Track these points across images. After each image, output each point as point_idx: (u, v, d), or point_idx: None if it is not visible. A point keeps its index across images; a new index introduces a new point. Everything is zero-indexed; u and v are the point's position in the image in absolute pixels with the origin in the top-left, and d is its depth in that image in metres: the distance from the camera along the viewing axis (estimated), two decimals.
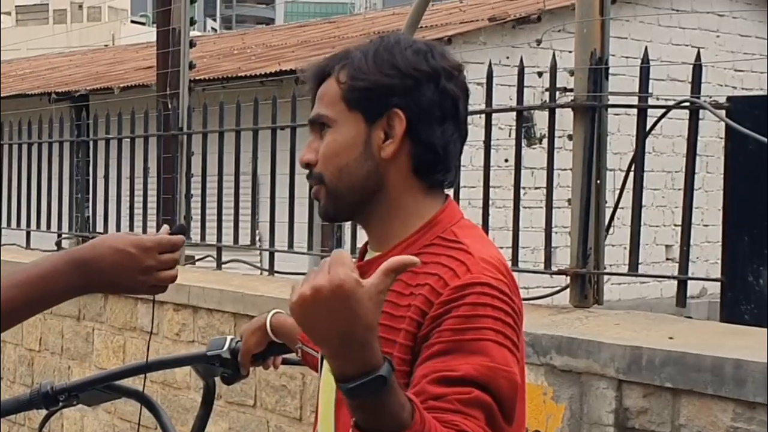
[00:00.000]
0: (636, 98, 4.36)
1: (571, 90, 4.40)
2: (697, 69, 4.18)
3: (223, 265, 6.35)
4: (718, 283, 4.26)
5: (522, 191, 4.69)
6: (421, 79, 1.89)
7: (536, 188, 9.21)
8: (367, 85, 1.89)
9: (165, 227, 2.10)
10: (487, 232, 4.65)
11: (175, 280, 2.03)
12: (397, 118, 1.88)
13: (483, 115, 4.79)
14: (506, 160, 8.44)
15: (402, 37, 1.95)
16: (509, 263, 4.47)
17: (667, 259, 12.16)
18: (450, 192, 2.03)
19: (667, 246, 12.29)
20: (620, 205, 4.47)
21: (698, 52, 4.30)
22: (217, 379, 2.88)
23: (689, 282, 4.27)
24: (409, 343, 1.79)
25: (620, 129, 8.88)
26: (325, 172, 1.93)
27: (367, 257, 1.97)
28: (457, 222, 1.93)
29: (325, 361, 1.96)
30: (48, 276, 1.92)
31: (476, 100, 5.94)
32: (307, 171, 1.97)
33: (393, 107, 1.88)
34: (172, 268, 2.02)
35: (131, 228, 6.88)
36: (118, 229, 7.24)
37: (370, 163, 1.90)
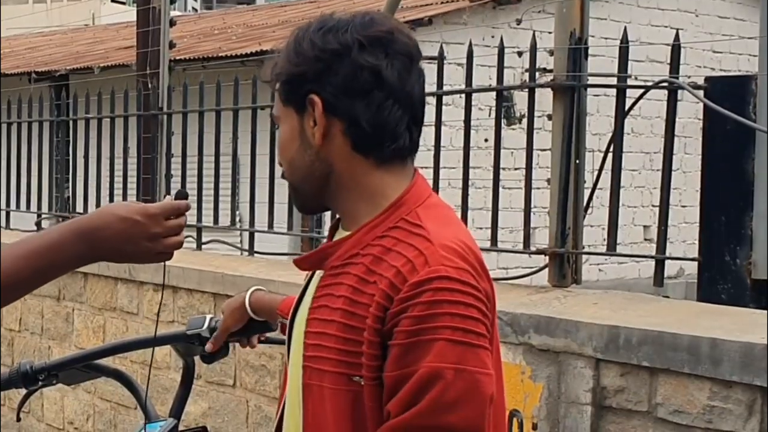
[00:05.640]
0: (615, 78, 4.37)
1: (550, 70, 4.40)
2: (676, 49, 4.19)
3: (203, 246, 6.34)
4: (696, 263, 4.28)
5: (501, 171, 4.70)
6: (329, 59, 1.88)
7: (515, 168, 9.22)
8: (285, 79, 1.94)
9: (168, 196, 2.11)
10: (466, 213, 4.69)
11: (181, 246, 2.04)
12: (314, 103, 1.90)
13: (463, 95, 4.80)
14: (486, 140, 8.47)
15: (317, 20, 1.94)
16: (488, 243, 4.53)
17: (646, 239, 12.21)
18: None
19: (645, 227, 12.33)
20: (599, 186, 4.48)
21: (677, 33, 4.31)
22: (197, 359, 2.88)
23: (667, 262, 4.29)
24: (376, 339, 1.80)
25: (599, 109, 8.92)
26: (283, 167, 2.00)
27: (337, 236, 1.98)
28: (424, 201, 1.91)
29: (293, 336, 1.97)
30: (55, 246, 1.93)
31: (456, 80, 5.97)
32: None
33: (309, 93, 1.90)
34: (178, 234, 2.02)
35: None
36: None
37: (310, 152, 1.93)
